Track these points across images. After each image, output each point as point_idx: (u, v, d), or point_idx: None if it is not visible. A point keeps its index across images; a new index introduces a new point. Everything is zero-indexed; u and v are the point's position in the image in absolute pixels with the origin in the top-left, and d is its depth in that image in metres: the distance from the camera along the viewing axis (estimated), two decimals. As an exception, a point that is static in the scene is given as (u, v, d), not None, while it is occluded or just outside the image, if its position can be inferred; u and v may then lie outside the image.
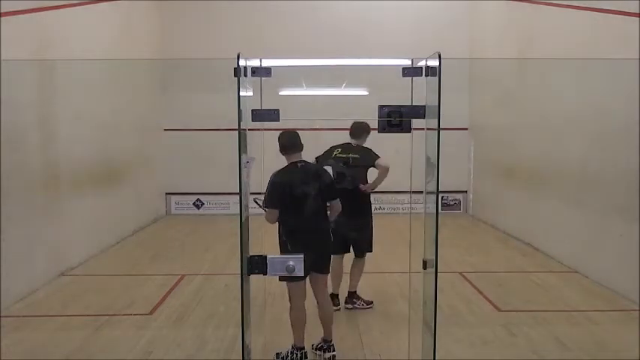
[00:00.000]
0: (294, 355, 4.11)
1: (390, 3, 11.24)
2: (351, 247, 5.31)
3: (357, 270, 5.39)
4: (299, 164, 4.06)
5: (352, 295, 5.41)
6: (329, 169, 4.72)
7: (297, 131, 4.16)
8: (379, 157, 5.08)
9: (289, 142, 4.06)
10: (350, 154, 5.12)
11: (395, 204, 11.28)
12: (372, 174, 5.13)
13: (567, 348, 4.44)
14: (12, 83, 5.54)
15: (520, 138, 8.80)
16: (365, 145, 5.23)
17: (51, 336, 4.76)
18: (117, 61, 8.44)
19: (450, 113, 3.34)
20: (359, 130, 5.20)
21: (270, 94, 2.96)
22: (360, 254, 5.36)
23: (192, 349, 4.44)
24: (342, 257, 5.28)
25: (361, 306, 5.40)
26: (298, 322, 4.12)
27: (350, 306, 5.38)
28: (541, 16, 8.08)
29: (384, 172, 5.01)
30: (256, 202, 4.07)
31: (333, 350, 4.21)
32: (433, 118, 2.60)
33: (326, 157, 5.15)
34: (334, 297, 5.21)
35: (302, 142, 4.11)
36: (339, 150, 5.17)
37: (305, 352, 4.15)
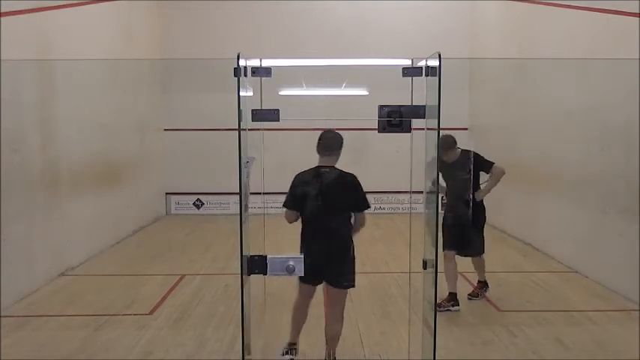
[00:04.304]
0: (285, 351, 4.09)
1: (390, 3, 11.24)
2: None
3: (476, 265, 5.68)
4: (322, 169, 3.87)
5: (480, 285, 5.71)
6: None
7: (336, 134, 3.92)
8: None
9: (318, 144, 3.91)
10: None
11: (395, 204, 11.28)
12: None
13: (567, 348, 4.44)
14: (12, 83, 5.55)
15: (520, 138, 8.80)
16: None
17: (51, 336, 4.77)
18: (117, 61, 8.45)
19: (450, 113, 3.33)
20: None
21: (270, 94, 2.97)
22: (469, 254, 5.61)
23: (192, 349, 4.44)
24: (454, 256, 5.42)
25: (484, 294, 5.66)
26: (294, 320, 4.13)
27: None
28: (541, 16, 8.08)
29: None
30: None
31: None
32: (433, 118, 2.59)
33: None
34: (453, 296, 5.32)
35: (339, 147, 3.90)
36: None
37: (295, 349, 4.11)
